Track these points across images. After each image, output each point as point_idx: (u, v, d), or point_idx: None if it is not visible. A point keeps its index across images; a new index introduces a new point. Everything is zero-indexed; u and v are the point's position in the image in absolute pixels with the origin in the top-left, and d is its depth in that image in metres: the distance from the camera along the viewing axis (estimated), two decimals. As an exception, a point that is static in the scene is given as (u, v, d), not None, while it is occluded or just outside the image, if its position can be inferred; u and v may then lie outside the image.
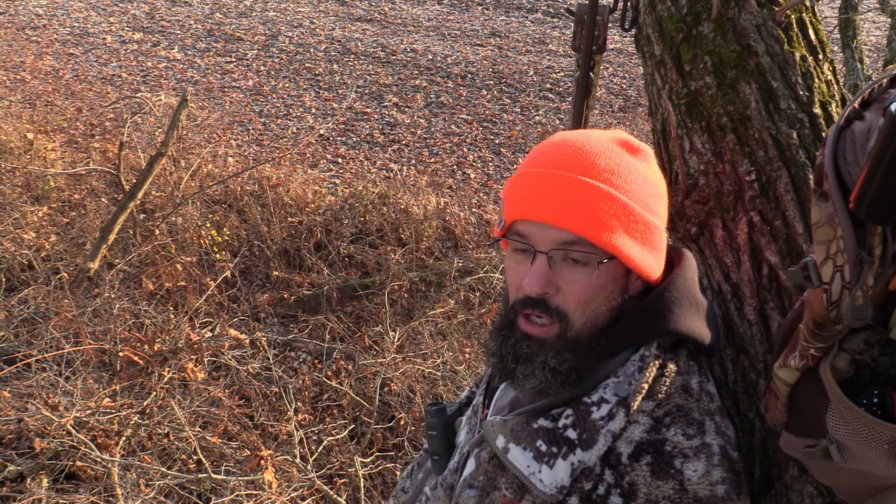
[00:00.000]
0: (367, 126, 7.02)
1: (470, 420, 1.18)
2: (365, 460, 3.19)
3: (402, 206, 5.19)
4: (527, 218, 0.96)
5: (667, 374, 0.96)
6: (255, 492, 2.88)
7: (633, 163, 0.98)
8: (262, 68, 8.02)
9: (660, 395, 0.94)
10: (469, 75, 8.22)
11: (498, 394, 1.10)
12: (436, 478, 1.17)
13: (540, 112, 7.51)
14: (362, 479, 3.03)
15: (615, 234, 0.93)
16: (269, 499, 2.84)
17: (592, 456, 0.92)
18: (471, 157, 6.61)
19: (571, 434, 0.94)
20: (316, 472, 3.03)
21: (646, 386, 0.94)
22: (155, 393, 3.29)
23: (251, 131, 6.72)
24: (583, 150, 0.97)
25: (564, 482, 0.92)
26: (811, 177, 1.16)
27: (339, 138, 6.77)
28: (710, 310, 1.04)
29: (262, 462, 2.99)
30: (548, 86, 8.10)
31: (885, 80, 0.79)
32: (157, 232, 4.57)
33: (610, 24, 1.67)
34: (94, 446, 2.88)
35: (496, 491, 0.99)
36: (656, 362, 0.96)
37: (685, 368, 0.98)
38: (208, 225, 4.76)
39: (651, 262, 0.99)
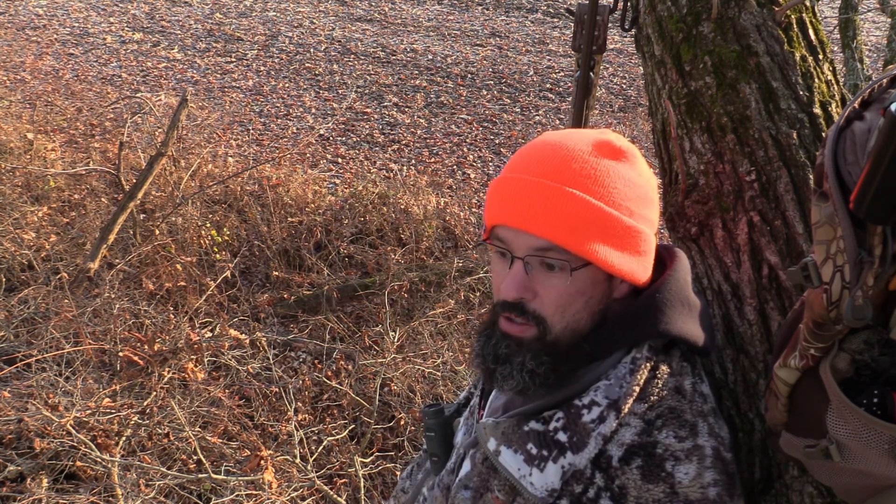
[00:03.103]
0: (367, 126, 7.02)
1: (467, 421, 1.19)
2: (365, 460, 3.18)
3: (402, 206, 5.19)
4: (503, 224, 0.97)
5: (659, 375, 0.95)
6: (255, 492, 2.88)
7: (612, 166, 0.96)
8: (262, 68, 8.02)
9: (652, 398, 0.94)
10: (469, 75, 8.22)
11: (492, 395, 1.10)
12: (434, 478, 1.18)
13: (540, 112, 7.51)
14: (362, 479, 3.03)
15: (589, 241, 0.93)
16: (269, 499, 2.84)
17: (583, 459, 0.92)
18: (471, 157, 6.61)
19: (562, 437, 0.94)
20: (316, 472, 3.03)
21: (637, 388, 0.93)
22: (155, 393, 3.29)
23: (251, 131, 6.73)
24: (558, 155, 0.96)
25: (555, 485, 0.92)
26: (811, 177, 1.16)
27: (339, 138, 6.77)
28: (703, 310, 1.04)
29: (262, 462, 2.99)
30: (548, 86, 8.11)
31: (885, 80, 0.79)
32: (157, 232, 4.57)
33: (610, 24, 1.67)
34: (94, 446, 2.88)
35: (489, 492, 0.99)
36: (648, 364, 0.95)
37: (678, 370, 0.98)
38: (208, 225, 4.76)
39: (633, 267, 0.98)
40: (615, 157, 0.98)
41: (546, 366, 0.96)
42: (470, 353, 1.07)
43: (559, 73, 8.43)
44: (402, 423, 3.47)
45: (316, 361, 3.87)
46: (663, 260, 1.07)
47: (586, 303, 0.97)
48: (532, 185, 0.94)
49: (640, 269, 0.99)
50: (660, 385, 0.95)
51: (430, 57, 8.61)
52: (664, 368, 0.96)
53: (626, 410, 0.93)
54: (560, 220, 0.92)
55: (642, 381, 0.94)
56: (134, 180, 4.66)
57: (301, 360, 3.93)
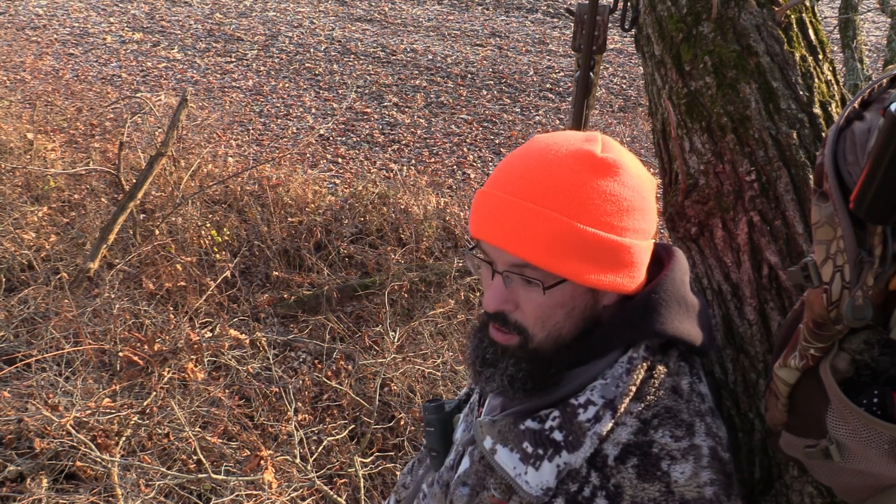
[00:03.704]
0: (367, 126, 7.02)
1: (467, 418, 1.19)
2: (365, 460, 3.18)
3: (402, 206, 5.19)
4: (482, 239, 0.98)
5: (656, 375, 0.96)
6: (255, 492, 2.88)
7: (591, 183, 0.94)
8: (262, 68, 8.02)
9: (648, 397, 0.94)
10: (469, 75, 8.22)
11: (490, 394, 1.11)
12: (434, 474, 1.18)
13: (540, 112, 7.51)
14: (362, 479, 3.03)
15: (563, 260, 0.92)
16: (269, 499, 2.84)
17: (578, 458, 0.92)
18: (471, 157, 6.61)
19: (557, 436, 0.94)
20: (316, 472, 3.03)
21: (633, 388, 0.94)
22: (155, 393, 3.29)
23: (251, 131, 6.73)
24: (535, 172, 0.95)
25: (550, 484, 0.93)
26: (811, 177, 1.16)
27: (339, 138, 6.77)
28: (701, 309, 1.04)
29: (262, 462, 2.99)
30: (548, 86, 8.11)
31: (885, 80, 0.79)
32: (157, 232, 4.57)
33: (610, 24, 1.67)
34: (94, 446, 2.88)
35: (486, 490, 1.00)
36: (644, 364, 0.96)
37: (675, 370, 0.98)
38: (208, 225, 4.76)
39: (615, 280, 0.96)
40: (597, 171, 0.95)
41: (524, 372, 0.98)
42: (464, 352, 1.10)
43: (559, 73, 8.43)
44: (402, 423, 3.47)
45: (316, 361, 3.87)
46: (661, 259, 1.06)
47: (567, 314, 0.98)
48: (507, 203, 0.94)
49: (624, 280, 0.97)
50: (656, 385, 0.95)
51: (430, 57, 8.62)
52: (661, 368, 0.96)
53: (622, 410, 0.93)
54: (533, 239, 0.92)
55: (638, 380, 0.94)
56: (134, 180, 4.66)
57: (301, 360, 3.93)
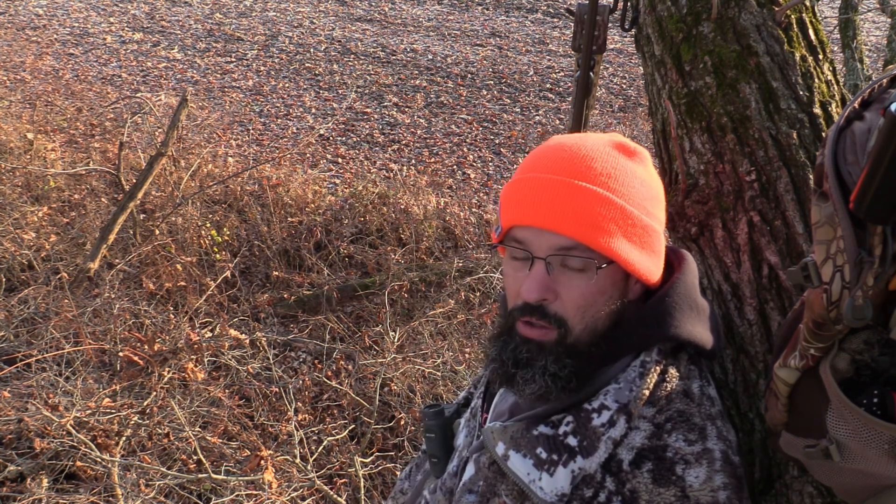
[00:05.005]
0: (367, 126, 7.02)
1: (469, 423, 1.17)
2: (365, 460, 3.18)
3: (402, 206, 5.19)
4: (524, 224, 0.96)
5: (668, 379, 0.95)
6: (255, 492, 2.88)
7: (630, 166, 0.97)
8: (262, 68, 8.02)
9: (661, 401, 0.93)
10: (469, 75, 8.22)
11: (497, 399, 1.09)
12: (435, 481, 1.16)
13: (540, 112, 7.51)
14: (362, 479, 3.03)
15: (613, 239, 0.93)
16: (269, 499, 2.84)
17: (593, 463, 0.91)
18: (471, 157, 6.61)
19: (572, 441, 0.93)
20: (316, 472, 3.03)
21: (647, 392, 0.93)
22: (155, 393, 3.29)
23: (251, 131, 6.72)
24: (579, 155, 0.96)
25: (565, 490, 0.92)
26: (811, 177, 1.16)
27: (339, 138, 6.77)
28: (711, 313, 1.04)
29: (262, 462, 2.99)
30: (548, 86, 8.10)
31: (885, 80, 0.79)
32: (157, 232, 4.57)
33: (610, 24, 1.67)
34: (94, 446, 2.88)
35: (496, 497, 0.98)
36: (657, 368, 0.95)
37: (686, 373, 0.98)
38: (208, 225, 4.76)
39: (650, 266, 0.98)
40: (630, 157, 0.99)
41: (569, 368, 0.94)
42: (484, 358, 1.05)
43: (559, 73, 8.43)
44: (402, 423, 3.47)
45: (316, 361, 3.87)
46: (670, 262, 1.06)
47: (605, 302, 0.97)
48: (554, 183, 0.94)
49: (654, 268, 0.99)
50: (669, 388, 0.94)
51: (430, 57, 8.61)
52: (673, 372, 0.96)
53: (637, 414, 0.92)
54: (585, 218, 0.92)
55: (652, 384, 0.94)
56: (134, 180, 4.66)
57: (301, 360, 3.93)
